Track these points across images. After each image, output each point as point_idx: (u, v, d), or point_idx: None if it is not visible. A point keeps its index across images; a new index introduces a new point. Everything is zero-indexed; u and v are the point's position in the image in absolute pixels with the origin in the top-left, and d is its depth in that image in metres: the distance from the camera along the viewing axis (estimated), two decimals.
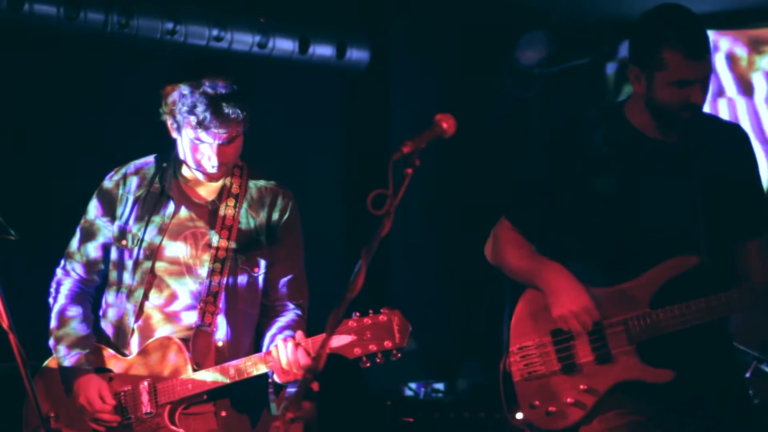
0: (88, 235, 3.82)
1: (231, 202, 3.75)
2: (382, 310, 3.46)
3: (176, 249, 3.72)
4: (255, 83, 3.73)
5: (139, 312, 3.72)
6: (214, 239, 3.71)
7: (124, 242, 3.75)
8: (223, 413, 3.70)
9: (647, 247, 3.45)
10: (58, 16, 5.20)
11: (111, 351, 3.76)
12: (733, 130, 3.60)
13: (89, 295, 3.87)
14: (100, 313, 3.83)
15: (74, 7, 5.24)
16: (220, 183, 3.76)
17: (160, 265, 3.72)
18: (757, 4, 6.90)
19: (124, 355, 3.75)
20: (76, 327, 3.78)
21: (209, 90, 3.57)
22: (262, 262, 3.76)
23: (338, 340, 3.43)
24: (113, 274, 3.78)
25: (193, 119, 3.57)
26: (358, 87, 6.96)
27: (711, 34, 3.42)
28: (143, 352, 3.71)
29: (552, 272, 3.51)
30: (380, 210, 2.51)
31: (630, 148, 3.48)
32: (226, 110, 3.56)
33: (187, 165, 3.72)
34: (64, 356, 3.74)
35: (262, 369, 3.58)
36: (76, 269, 3.84)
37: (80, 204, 3.86)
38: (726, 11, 6.89)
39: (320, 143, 6.84)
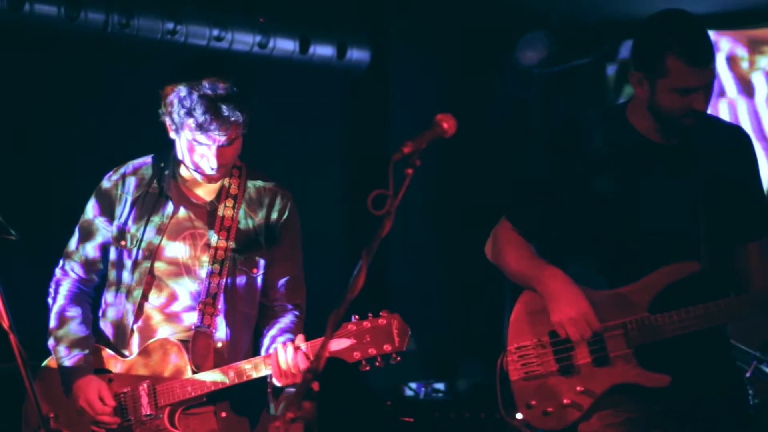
0: (87, 234, 3.82)
1: (230, 203, 3.75)
2: (381, 314, 3.45)
3: (175, 249, 3.72)
4: (255, 85, 3.72)
5: (139, 312, 3.72)
6: (213, 240, 3.71)
7: (122, 242, 3.75)
8: (223, 414, 3.70)
9: (647, 248, 3.45)
10: (58, 16, 5.20)
11: (110, 351, 3.76)
12: (735, 131, 3.59)
13: (88, 295, 3.87)
14: (100, 313, 3.83)
15: (75, 7, 5.24)
16: (218, 183, 3.75)
17: (159, 266, 3.72)
18: (756, 4, 6.90)
19: (123, 355, 3.74)
20: (76, 327, 3.78)
21: (209, 92, 3.55)
22: (261, 263, 3.76)
23: (338, 344, 3.42)
24: (112, 274, 3.78)
25: (191, 122, 3.56)
26: (358, 87, 6.96)
27: (711, 35, 3.41)
28: (143, 353, 3.71)
29: (551, 277, 3.50)
30: (380, 210, 2.51)
31: (631, 149, 3.47)
32: (226, 112, 3.54)
33: (185, 165, 3.72)
34: (64, 357, 3.73)
35: (262, 372, 3.57)
36: (75, 269, 3.84)
37: (80, 204, 3.86)
38: (726, 12, 6.89)
39: (321, 143, 6.84)
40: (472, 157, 7.23)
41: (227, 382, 3.59)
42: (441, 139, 2.66)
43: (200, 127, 3.55)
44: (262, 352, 3.70)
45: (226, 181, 3.76)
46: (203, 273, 3.70)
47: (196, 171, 3.68)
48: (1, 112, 5.29)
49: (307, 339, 3.57)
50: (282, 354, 3.52)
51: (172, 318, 3.71)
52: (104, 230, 3.79)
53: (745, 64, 7.09)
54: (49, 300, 3.86)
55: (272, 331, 3.74)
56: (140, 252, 3.72)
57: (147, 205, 3.74)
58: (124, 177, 3.80)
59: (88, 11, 5.29)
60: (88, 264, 3.83)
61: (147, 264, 3.71)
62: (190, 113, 3.55)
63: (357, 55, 6.65)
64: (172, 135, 3.67)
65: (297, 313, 3.81)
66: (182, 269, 3.72)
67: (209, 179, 3.71)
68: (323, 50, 6.42)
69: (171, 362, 3.66)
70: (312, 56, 6.34)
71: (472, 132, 6.46)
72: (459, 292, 7.46)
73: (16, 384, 3.33)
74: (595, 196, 3.47)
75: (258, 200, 3.78)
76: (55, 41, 5.38)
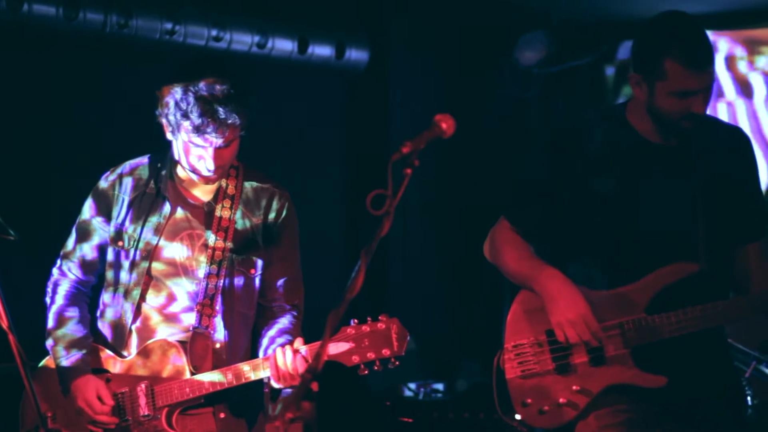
0: (84, 235, 3.81)
1: (227, 204, 3.74)
2: (380, 318, 3.45)
3: (173, 250, 3.72)
4: (253, 86, 3.70)
5: (137, 312, 3.72)
6: (211, 240, 3.71)
7: (120, 243, 3.74)
8: (222, 415, 3.69)
9: (646, 249, 3.45)
10: (57, 17, 5.20)
11: (109, 352, 3.76)
12: (734, 132, 3.59)
13: (86, 295, 3.86)
14: (98, 313, 3.83)
15: (73, 7, 5.23)
16: (215, 184, 3.74)
17: (156, 266, 3.71)
18: (755, 4, 6.91)
19: (122, 356, 3.74)
20: (74, 328, 3.77)
21: (205, 93, 3.52)
22: (259, 263, 3.76)
23: (336, 348, 3.42)
24: (110, 275, 3.77)
25: (188, 124, 3.53)
26: (357, 87, 6.96)
27: (709, 35, 3.41)
28: (141, 353, 3.70)
29: (550, 278, 3.50)
30: (380, 210, 2.51)
31: (630, 150, 3.47)
32: (222, 115, 3.52)
33: (182, 166, 3.71)
34: (62, 357, 3.73)
35: (261, 374, 3.57)
36: (73, 269, 3.84)
37: (80, 204, 3.85)
38: (724, 12, 6.89)
39: (320, 143, 6.84)
40: (471, 158, 7.23)
41: (225, 383, 3.59)
42: (440, 139, 2.66)
43: (197, 130, 3.53)
44: (261, 353, 3.70)
45: (224, 182, 3.75)
46: (201, 274, 3.70)
47: (192, 172, 3.66)
48: (0, 112, 5.29)
49: (306, 341, 3.56)
50: (281, 357, 3.51)
51: (171, 319, 3.71)
52: (101, 230, 3.79)
53: (743, 65, 7.09)
54: (47, 300, 3.85)
55: (271, 332, 3.74)
56: (138, 252, 3.72)
57: (144, 205, 3.74)
58: (121, 177, 3.80)
59: (86, 11, 5.29)
60: (85, 264, 3.82)
61: (145, 264, 3.71)
62: (186, 115, 3.53)
63: (356, 55, 6.65)
64: (169, 136, 3.66)
65: (295, 313, 3.81)
66: (180, 270, 3.71)
67: (206, 180, 3.70)
68: (322, 50, 6.42)
69: (169, 363, 3.66)
70: (311, 56, 6.34)
71: (471, 132, 6.47)
72: (458, 293, 7.46)
73: (15, 384, 3.33)
74: (594, 196, 3.47)
75: (255, 200, 3.77)
76: (54, 41, 5.37)
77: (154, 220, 3.72)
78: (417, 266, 7.14)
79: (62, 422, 3.70)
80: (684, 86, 3.31)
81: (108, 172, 3.84)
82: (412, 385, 6.61)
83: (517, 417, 3.59)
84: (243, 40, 5.96)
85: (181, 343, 3.67)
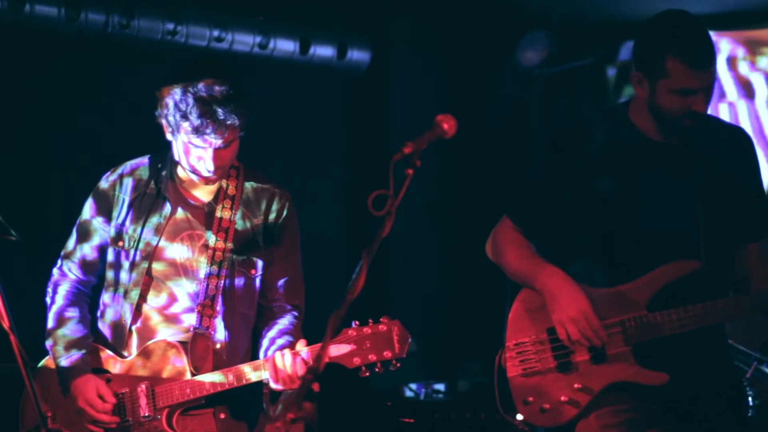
0: (85, 235, 3.81)
1: (227, 204, 3.74)
2: (382, 320, 3.44)
3: (173, 251, 3.72)
4: (253, 87, 3.70)
5: (137, 313, 3.72)
6: (211, 241, 3.71)
7: (120, 243, 3.74)
8: (222, 416, 3.69)
9: (647, 247, 3.45)
10: (58, 17, 5.20)
11: (109, 352, 3.76)
12: (736, 132, 3.60)
13: (86, 295, 3.86)
14: (98, 314, 3.83)
15: (75, 7, 5.24)
16: (216, 184, 3.74)
17: (157, 267, 3.71)
18: (756, 5, 6.91)
19: (122, 356, 3.74)
20: (74, 328, 3.77)
21: (204, 94, 3.52)
22: (259, 264, 3.76)
23: (337, 350, 3.41)
24: (110, 275, 3.77)
25: (187, 125, 3.53)
26: (358, 87, 6.96)
27: (711, 35, 3.41)
28: (142, 354, 3.70)
29: (551, 276, 3.50)
30: (381, 211, 2.51)
31: (631, 148, 3.48)
32: (221, 116, 3.51)
33: (182, 167, 3.71)
34: (61, 357, 3.73)
35: (261, 375, 3.57)
36: (73, 270, 3.84)
37: (80, 204, 3.85)
38: (725, 12, 6.89)
39: (321, 143, 6.85)
40: (472, 158, 7.23)
41: (226, 384, 3.59)
42: (441, 139, 2.66)
43: (196, 131, 3.53)
44: (261, 353, 3.70)
45: (224, 182, 3.75)
46: (201, 274, 3.69)
47: (192, 173, 3.66)
48: (1, 112, 5.29)
49: (307, 341, 3.56)
50: (279, 360, 3.51)
51: (171, 319, 3.71)
52: (102, 231, 3.78)
53: (745, 66, 7.09)
54: (47, 300, 3.85)
55: (271, 333, 3.74)
56: (138, 253, 3.71)
57: (144, 206, 3.74)
58: (121, 178, 3.79)
59: (88, 12, 5.29)
60: (85, 265, 3.82)
61: (145, 265, 3.70)
62: (185, 116, 3.53)
63: (357, 55, 6.65)
64: (169, 136, 3.66)
65: (296, 313, 3.80)
66: (180, 270, 3.71)
67: (206, 181, 3.70)
68: (323, 51, 6.42)
69: (170, 363, 3.66)
70: (312, 57, 6.34)
71: (472, 132, 6.46)
72: (459, 293, 7.46)
73: (16, 384, 3.33)
74: (596, 196, 3.48)
75: (256, 201, 3.77)
76: (56, 42, 5.38)
77: (154, 220, 3.72)
78: (418, 267, 7.14)
79: (62, 422, 3.70)
80: (685, 84, 3.31)
81: (108, 173, 3.84)
82: (414, 386, 6.61)
83: (519, 416, 3.59)
84: (245, 41, 5.97)
85: (182, 343, 3.67)
